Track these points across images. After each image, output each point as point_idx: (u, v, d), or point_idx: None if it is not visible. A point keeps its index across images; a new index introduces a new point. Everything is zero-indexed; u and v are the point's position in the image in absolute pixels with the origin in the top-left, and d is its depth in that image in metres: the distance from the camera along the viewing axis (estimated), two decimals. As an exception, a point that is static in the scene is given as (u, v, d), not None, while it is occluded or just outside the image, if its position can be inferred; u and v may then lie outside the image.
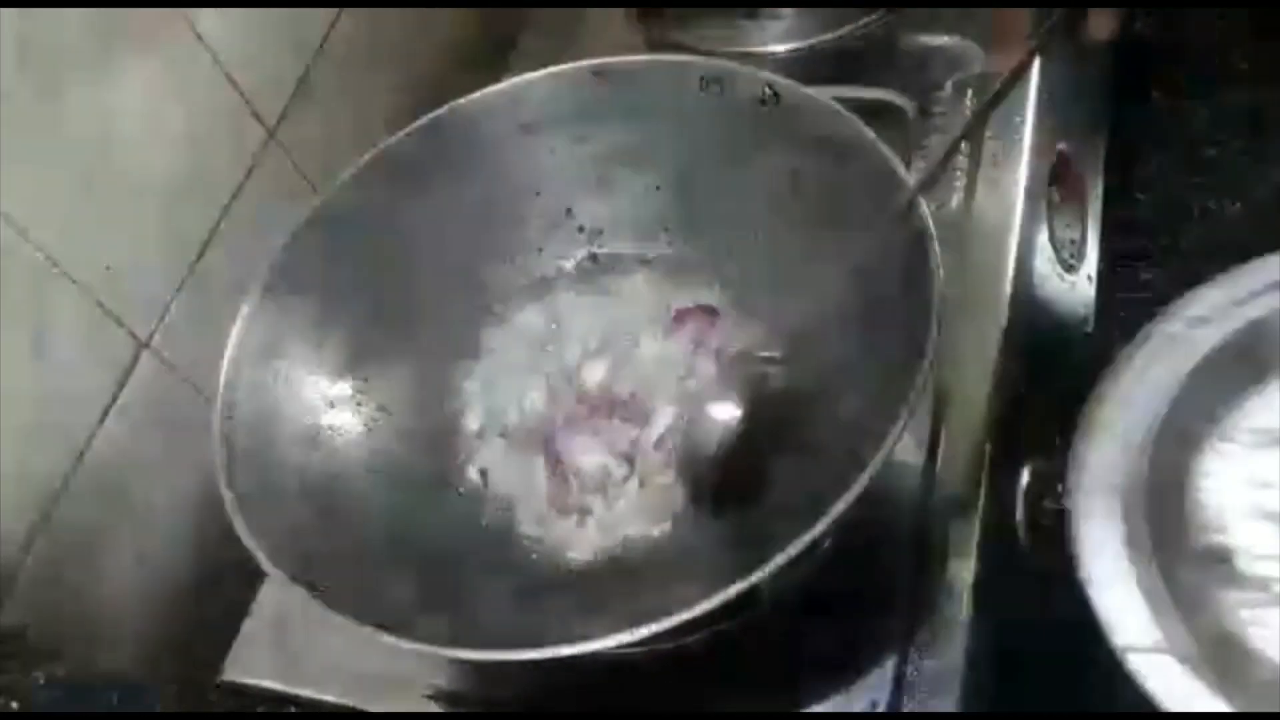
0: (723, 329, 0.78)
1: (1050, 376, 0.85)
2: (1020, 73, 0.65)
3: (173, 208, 0.78)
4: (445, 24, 1.06)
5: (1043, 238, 0.86)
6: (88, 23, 0.70)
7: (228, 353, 0.69)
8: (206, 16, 0.78)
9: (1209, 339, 0.70)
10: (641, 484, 0.74)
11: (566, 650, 0.56)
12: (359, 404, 0.75)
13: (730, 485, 0.70)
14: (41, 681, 0.63)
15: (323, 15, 0.91)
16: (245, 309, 0.71)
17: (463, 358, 0.80)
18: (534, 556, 0.73)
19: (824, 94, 0.72)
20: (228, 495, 0.63)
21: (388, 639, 0.58)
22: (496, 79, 0.79)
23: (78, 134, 0.70)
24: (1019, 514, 0.73)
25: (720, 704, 0.68)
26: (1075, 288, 0.90)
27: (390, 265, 0.78)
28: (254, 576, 0.74)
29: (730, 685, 0.68)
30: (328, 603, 0.59)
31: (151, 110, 0.75)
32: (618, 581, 0.69)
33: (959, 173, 0.85)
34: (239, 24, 0.81)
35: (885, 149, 0.67)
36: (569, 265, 0.82)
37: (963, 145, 0.86)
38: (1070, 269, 0.90)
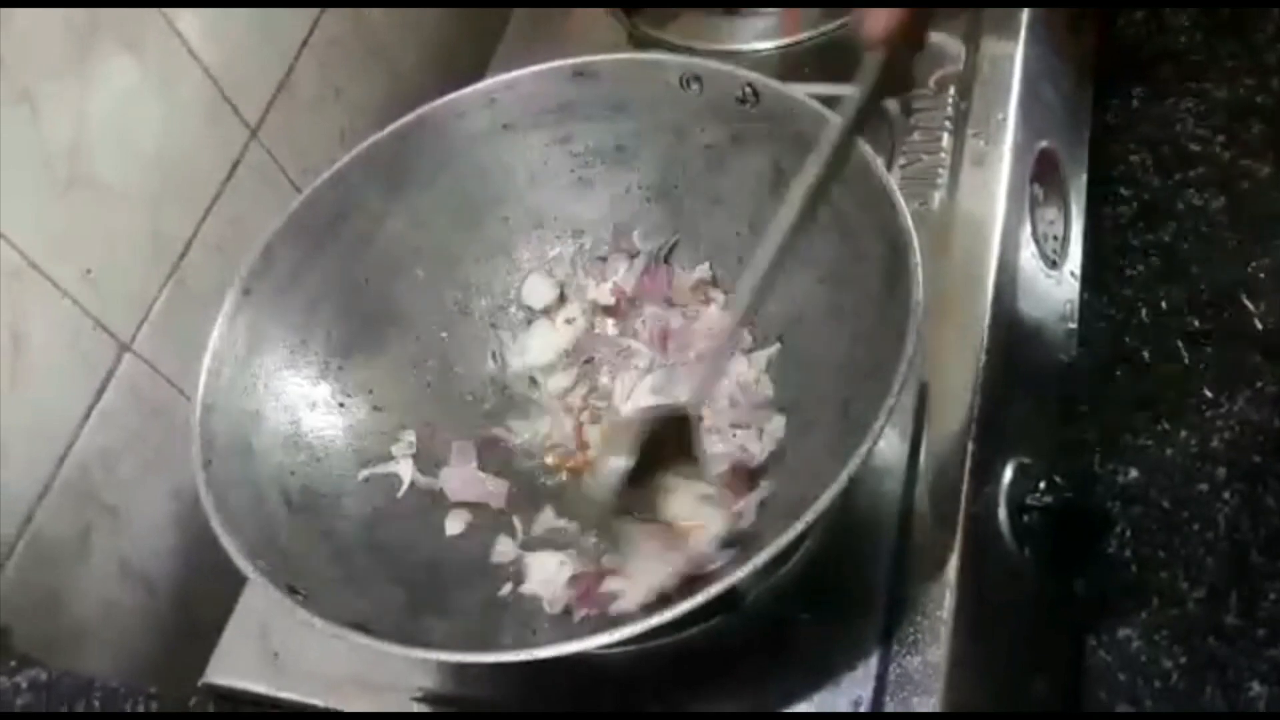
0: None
1: (1034, 373, 0.85)
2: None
3: (154, 208, 0.77)
4: (428, 23, 1.06)
5: (1026, 234, 0.86)
6: (65, 23, 0.70)
7: (207, 354, 0.69)
8: (186, 15, 0.78)
9: None
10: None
11: (548, 652, 0.56)
12: (341, 405, 0.75)
13: None
14: (23, 685, 0.63)
15: (305, 14, 0.91)
16: (225, 310, 0.71)
17: (441, 359, 0.80)
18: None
19: (804, 91, 0.71)
20: (207, 498, 0.63)
21: (367, 641, 0.58)
22: (479, 78, 0.79)
23: (56, 135, 0.70)
24: (1002, 511, 0.73)
25: (705, 702, 0.68)
26: (1059, 284, 0.90)
27: (371, 265, 0.78)
28: (237, 579, 0.73)
29: (714, 683, 0.67)
30: (307, 605, 0.59)
31: (131, 110, 0.75)
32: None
33: (941, 170, 0.85)
34: (220, 22, 0.81)
35: (866, 146, 0.66)
36: (549, 265, 0.82)
37: (946, 141, 0.86)
38: (1054, 265, 0.90)
